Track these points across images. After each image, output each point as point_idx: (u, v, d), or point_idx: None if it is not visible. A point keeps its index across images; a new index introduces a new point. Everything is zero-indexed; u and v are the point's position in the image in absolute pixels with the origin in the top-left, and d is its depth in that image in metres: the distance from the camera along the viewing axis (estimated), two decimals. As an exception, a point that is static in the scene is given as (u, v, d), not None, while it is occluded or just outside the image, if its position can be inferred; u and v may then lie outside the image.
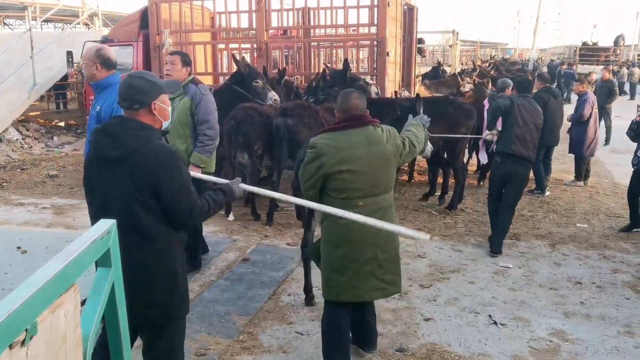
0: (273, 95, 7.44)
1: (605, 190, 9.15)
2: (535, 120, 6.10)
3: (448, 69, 15.91)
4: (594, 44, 34.22)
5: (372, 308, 3.98)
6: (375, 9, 9.52)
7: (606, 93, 13.69)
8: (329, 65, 9.59)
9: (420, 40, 19.14)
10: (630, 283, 5.45)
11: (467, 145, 8.57)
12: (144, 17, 10.62)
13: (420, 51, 18.55)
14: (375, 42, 9.49)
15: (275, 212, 7.21)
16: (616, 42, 34.83)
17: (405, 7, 11.74)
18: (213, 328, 4.37)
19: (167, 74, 5.10)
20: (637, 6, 51.28)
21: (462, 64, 24.17)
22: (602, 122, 12.48)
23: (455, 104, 7.76)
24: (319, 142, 3.49)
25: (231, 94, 7.53)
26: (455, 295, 5.09)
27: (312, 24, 11.30)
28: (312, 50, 11.88)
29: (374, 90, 8.41)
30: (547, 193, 8.71)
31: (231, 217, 7.02)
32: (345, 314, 3.69)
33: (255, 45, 10.31)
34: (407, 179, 9.47)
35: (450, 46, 17.68)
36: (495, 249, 6.08)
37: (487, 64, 23.33)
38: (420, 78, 13.83)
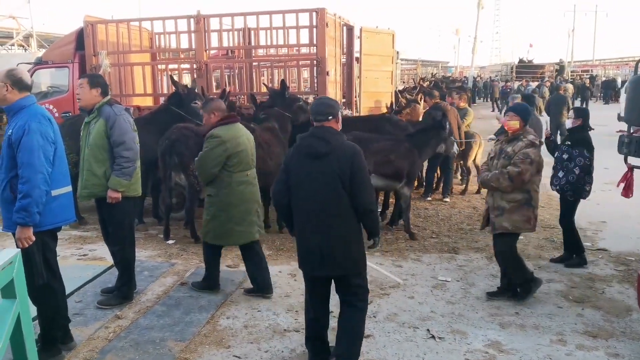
0: (212, 116, 7.37)
1: (540, 202, 9.42)
2: None
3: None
4: (530, 61, 35.63)
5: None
6: (315, 29, 9.61)
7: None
8: (269, 85, 9.61)
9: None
10: (563, 292, 5.63)
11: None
12: (79, 38, 10.39)
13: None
14: (315, 62, 9.59)
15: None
16: (560, 63, 36.41)
17: (344, 26, 11.93)
18: (148, 356, 4.24)
19: (77, 98, 4.99)
20: (569, 25, 53.62)
21: (403, 82, 24.65)
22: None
23: (392, 121, 7.90)
24: (220, 133, 5.10)
25: (169, 115, 7.45)
26: (394, 310, 5.12)
27: (252, 44, 11.31)
28: (254, 70, 11.89)
29: None
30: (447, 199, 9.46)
31: (170, 241, 6.88)
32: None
33: (195, 66, 10.26)
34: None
35: (391, 65, 18.04)
36: None
37: (428, 82, 23.90)
38: None
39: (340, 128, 3.97)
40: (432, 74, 32.77)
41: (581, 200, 6.29)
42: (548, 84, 26.80)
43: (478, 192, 9.97)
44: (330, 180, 3.74)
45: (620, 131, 5.66)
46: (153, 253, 6.63)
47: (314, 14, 9.31)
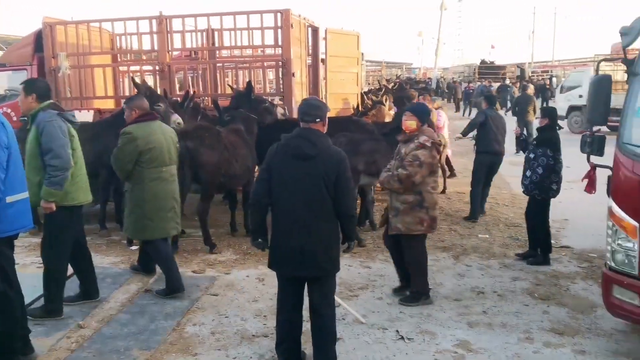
0: (176, 119, 7.23)
1: (504, 201, 9.60)
2: None
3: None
4: (491, 62, 36.28)
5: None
6: (279, 30, 9.55)
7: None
8: (234, 87, 9.51)
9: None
10: (529, 290, 5.69)
11: None
12: (38, 40, 10.10)
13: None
14: (281, 63, 9.52)
15: (182, 238, 7.00)
16: (520, 66, 37.13)
17: (309, 28, 11.89)
18: (111, 366, 4.12)
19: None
20: (530, 27, 54.76)
21: (368, 83, 24.76)
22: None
23: (358, 123, 7.89)
24: (132, 129, 5.23)
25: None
26: (363, 312, 5.09)
27: (217, 45, 11.18)
28: (218, 71, 11.74)
29: (280, 111, 8.42)
30: None
31: (134, 247, 6.71)
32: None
33: (157, 67, 10.09)
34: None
35: (357, 66, 18.10)
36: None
37: (392, 84, 24.08)
38: None
39: (325, 131, 3.97)
40: (396, 75, 33.06)
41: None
42: (518, 84, 27.36)
43: (443, 192, 10.04)
44: (315, 182, 3.76)
45: (583, 131, 5.79)
46: (116, 259, 6.46)
47: (279, 14, 9.24)
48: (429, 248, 6.90)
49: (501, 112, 10.21)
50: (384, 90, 17.61)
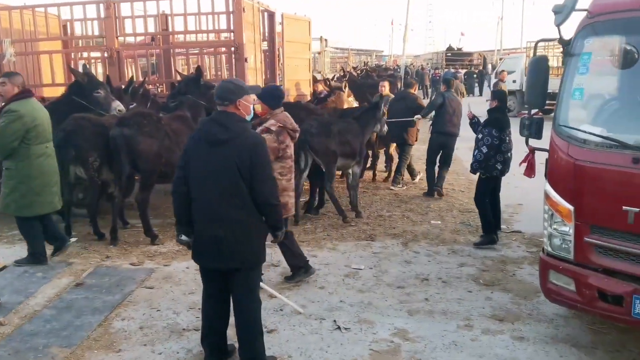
0: (117, 105, 7.01)
1: (460, 187, 9.53)
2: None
3: (318, 75, 16.02)
4: (459, 49, 36.33)
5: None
6: (231, 14, 9.30)
7: None
8: (180, 71, 9.26)
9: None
10: (474, 276, 5.61)
11: None
12: (-20, 26, 9.68)
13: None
14: (233, 48, 9.29)
15: (124, 230, 6.78)
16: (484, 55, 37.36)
17: (266, 13, 11.64)
18: (27, 365, 3.90)
19: None
20: (498, 13, 54.91)
21: (336, 70, 24.58)
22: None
23: (307, 109, 7.73)
24: (18, 107, 5.24)
25: (70, 105, 6.99)
26: (303, 302, 4.95)
27: (169, 30, 10.85)
28: (173, 58, 11.42)
29: None
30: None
31: (72, 239, 6.45)
32: None
33: (106, 54, 9.75)
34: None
35: (319, 53, 17.80)
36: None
37: (359, 70, 23.96)
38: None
39: (248, 114, 3.74)
40: (365, 62, 32.92)
41: (498, 180, 6.56)
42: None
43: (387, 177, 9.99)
44: (229, 169, 3.50)
45: (521, 114, 5.77)
46: (49, 252, 6.17)
47: (230, -2, 9.01)
48: (379, 235, 6.87)
49: (467, 98, 10.31)
50: (347, 76, 17.58)
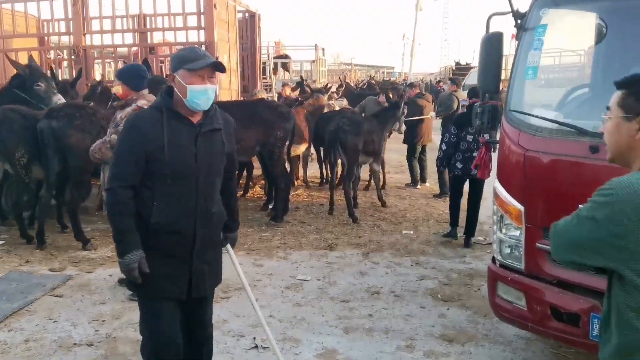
0: (59, 99, 6.50)
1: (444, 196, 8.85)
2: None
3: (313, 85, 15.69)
4: (467, 64, 35.71)
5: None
6: (202, 13, 8.84)
7: None
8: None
9: (286, 56, 18.71)
10: (433, 290, 4.95)
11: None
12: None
13: (286, 66, 18.07)
14: (204, 47, 8.77)
15: (60, 233, 6.23)
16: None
17: (247, 14, 11.17)
18: None
19: None
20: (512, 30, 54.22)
21: (334, 81, 24.18)
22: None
23: (271, 107, 7.17)
24: None
25: (10, 98, 6.51)
26: (226, 317, 4.32)
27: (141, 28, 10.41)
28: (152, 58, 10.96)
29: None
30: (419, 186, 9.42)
31: (-1, 242, 5.90)
32: None
33: (72, 52, 9.34)
34: (242, 193, 8.68)
35: (314, 61, 17.34)
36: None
37: (364, 83, 23.70)
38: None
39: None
40: (369, 76, 32.56)
41: (462, 180, 6.29)
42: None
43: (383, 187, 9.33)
44: None
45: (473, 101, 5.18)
46: (-28, 256, 5.65)
47: (201, -5, 8.55)
48: (341, 244, 6.24)
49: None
50: (344, 86, 17.30)
